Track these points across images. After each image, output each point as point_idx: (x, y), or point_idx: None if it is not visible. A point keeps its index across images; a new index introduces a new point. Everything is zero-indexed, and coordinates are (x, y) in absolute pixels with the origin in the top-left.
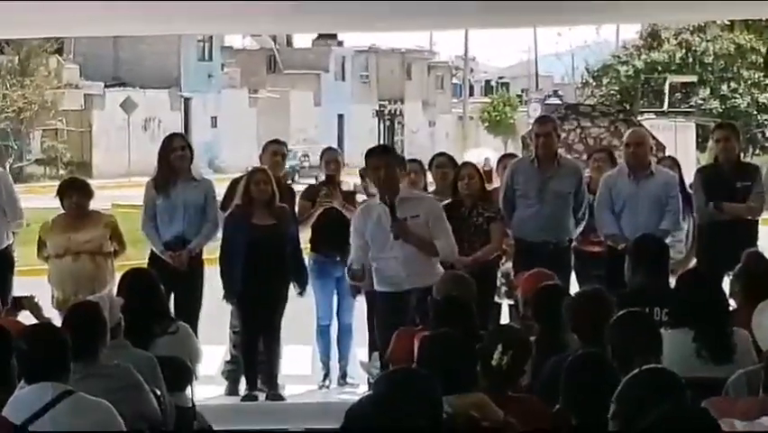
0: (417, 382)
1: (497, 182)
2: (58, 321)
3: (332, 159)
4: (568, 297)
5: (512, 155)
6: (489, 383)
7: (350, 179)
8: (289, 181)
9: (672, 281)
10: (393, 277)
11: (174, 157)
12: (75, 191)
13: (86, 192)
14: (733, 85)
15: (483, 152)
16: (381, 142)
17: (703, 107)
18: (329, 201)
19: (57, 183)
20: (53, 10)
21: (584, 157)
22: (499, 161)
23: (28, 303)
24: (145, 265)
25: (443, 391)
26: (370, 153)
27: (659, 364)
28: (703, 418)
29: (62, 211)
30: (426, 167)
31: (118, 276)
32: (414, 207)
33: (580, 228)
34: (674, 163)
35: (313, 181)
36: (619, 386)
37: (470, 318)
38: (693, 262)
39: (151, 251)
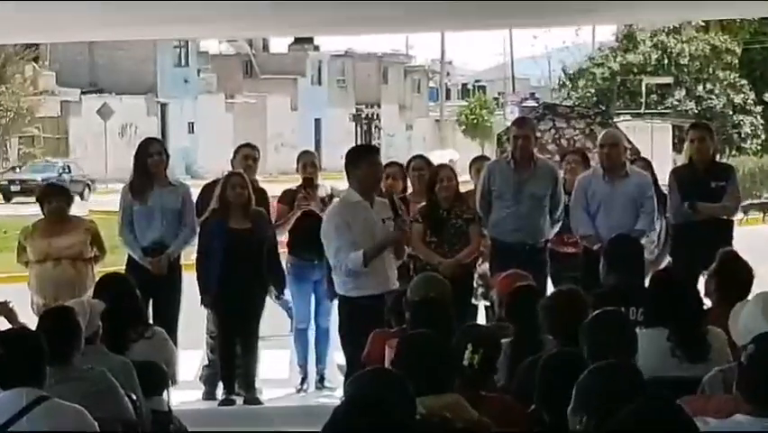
0: (391, 383)
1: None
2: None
3: (308, 162)
4: (543, 297)
5: (484, 157)
6: (461, 383)
7: (327, 183)
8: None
9: (647, 281)
10: (379, 278)
11: (151, 162)
12: (55, 196)
13: (67, 197)
14: (708, 86)
15: (448, 153)
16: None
17: (679, 108)
18: (307, 204)
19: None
20: (29, 15)
21: (557, 158)
22: (472, 163)
23: (2, 309)
24: (123, 271)
25: (419, 392)
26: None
27: (634, 363)
28: (677, 413)
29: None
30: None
31: None
32: (386, 210)
33: (556, 229)
34: (647, 165)
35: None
36: (578, 380)
37: (448, 319)
38: (665, 262)
39: (129, 256)
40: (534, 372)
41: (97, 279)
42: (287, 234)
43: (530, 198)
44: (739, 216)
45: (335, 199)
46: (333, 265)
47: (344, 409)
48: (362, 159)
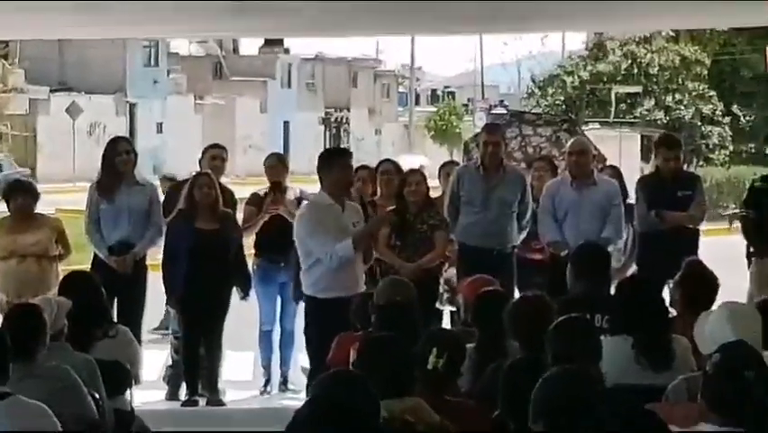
0: (355, 385)
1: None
2: None
3: (276, 165)
4: (509, 303)
5: (453, 162)
6: (425, 387)
7: (296, 186)
8: None
9: (612, 289)
10: (349, 281)
11: (119, 161)
12: (21, 193)
13: (33, 194)
14: (677, 96)
15: (417, 159)
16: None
17: (648, 118)
18: (275, 208)
19: None
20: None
21: (523, 165)
22: (441, 168)
23: None
24: (88, 269)
25: (381, 395)
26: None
27: (600, 370)
28: (653, 420)
29: (8, 214)
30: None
31: None
32: (357, 214)
33: (523, 235)
34: (616, 173)
35: None
36: (534, 388)
37: (413, 323)
38: (631, 270)
39: (95, 255)
40: (499, 377)
41: (62, 277)
42: (254, 235)
43: (499, 204)
44: (705, 226)
45: (304, 202)
46: (313, 262)
47: (307, 412)
48: (335, 162)
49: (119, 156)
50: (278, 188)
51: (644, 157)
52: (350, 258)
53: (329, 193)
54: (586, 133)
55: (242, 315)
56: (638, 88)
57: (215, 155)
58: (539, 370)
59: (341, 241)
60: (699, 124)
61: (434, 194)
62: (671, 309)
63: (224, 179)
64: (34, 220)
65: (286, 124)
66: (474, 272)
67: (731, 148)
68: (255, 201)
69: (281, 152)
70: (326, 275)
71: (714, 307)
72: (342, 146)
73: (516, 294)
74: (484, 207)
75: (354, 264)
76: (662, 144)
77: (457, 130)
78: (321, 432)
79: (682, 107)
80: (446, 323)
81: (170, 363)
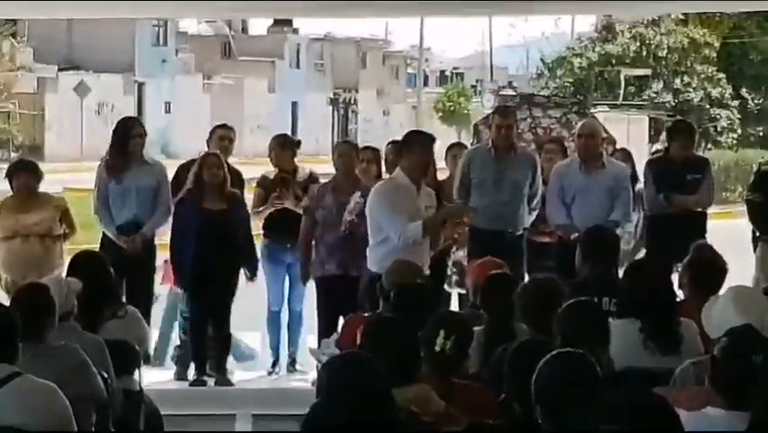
0: (366, 367)
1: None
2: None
3: (282, 146)
4: (518, 285)
5: (461, 144)
6: (433, 370)
7: (306, 166)
8: None
9: (621, 272)
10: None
11: (132, 143)
12: (24, 172)
13: (36, 173)
14: (686, 79)
15: None
16: (335, 130)
17: (656, 101)
18: (280, 203)
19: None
20: None
21: (533, 147)
22: (448, 150)
23: None
24: (97, 249)
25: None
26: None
27: (607, 353)
28: (660, 403)
29: (11, 193)
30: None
31: (68, 259)
32: (431, 199)
33: (533, 217)
34: (627, 156)
35: None
36: (536, 370)
37: (422, 305)
38: (641, 253)
39: (103, 235)
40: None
41: (71, 256)
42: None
43: (511, 186)
44: (716, 209)
45: (313, 187)
46: (382, 239)
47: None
48: (417, 143)
49: (132, 139)
50: (283, 183)
51: (652, 140)
52: (417, 240)
53: (407, 174)
54: (594, 115)
55: (250, 295)
56: (647, 71)
57: (223, 135)
58: (544, 352)
59: (412, 222)
60: (708, 107)
61: (440, 176)
62: (678, 293)
63: (231, 159)
64: (37, 199)
65: (294, 104)
66: (485, 255)
67: (739, 131)
68: (264, 184)
69: (289, 132)
70: (392, 254)
71: (722, 291)
72: (349, 127)
73: (526, 277)
74: (496, 189)
75: (422, 248)
76: (677, 131)
77: (465, 111)
78: (339, 418)
79: (691, 90)
80: (454, 305)
81: (178, 343)
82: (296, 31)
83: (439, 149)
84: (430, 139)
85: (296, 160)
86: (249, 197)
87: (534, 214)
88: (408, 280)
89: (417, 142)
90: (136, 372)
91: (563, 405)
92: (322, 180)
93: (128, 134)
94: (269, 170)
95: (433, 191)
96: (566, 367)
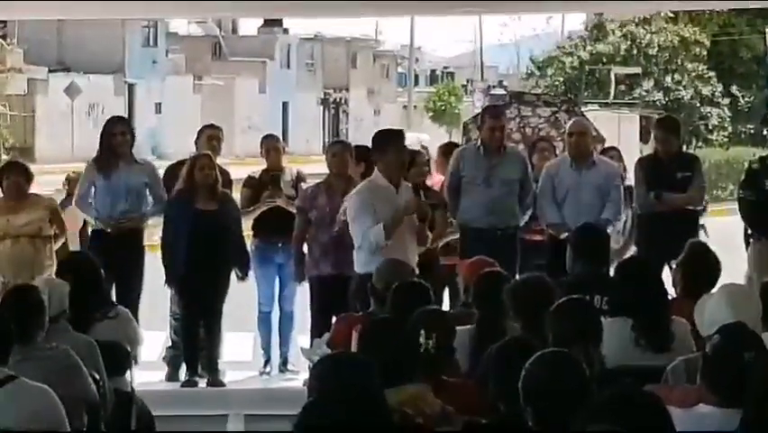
0: (359, 367)
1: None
2: None
3: (272, 147)
4: (509, 283)
5: (453, 143)
6: (422, 369)
7: (293, 167)
8: None
9: (612, 270)
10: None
11: (114, 142)
12: (14, 174)
13: (26, 175)
14: (677, 77)
15: (419, 136)
16: (326, 130)
17: (647, 99)
18: (272, 201)
19: None
20: None
21: (521, 146)
22: (440, 148)
23: None
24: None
25: (383, 379)
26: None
27: (599, 352)
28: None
29: (1, 194)
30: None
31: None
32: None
33: (527, 216)
34: (618, 155)
35: None
36: (522, 372)
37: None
38: (630, 251)
39: (91, 236)
40: None
41: (59, 258)
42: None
43: (501, 183)
44: (714, 207)
45: (301, 186)
46: (358, 245)
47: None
48: (388, 143)
49: (114, 138)
50: (273, 182)
51: (643, 138)
52: (380, 244)
53: (384, 175)
54: (584, 113)
55: (242, 296)
56: (637, 69)
57: (212, 135)
58: (527, 350)
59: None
60: (699, 104)
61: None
62: (670, 291)
63: (222, 160)
64: (27, 200)
65: (285, 104)
66: (477, 254)
67: (730, 129)
68: (251, 183)
69: (280, 132)
70: (376, 256)
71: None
72: (340, 127)
73: (517, 276)
74: (487, 186)
75: (404, 247)
76: (661, 126)
77: (456, 110)
78: (331, 418)
79: (681, 88)
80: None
81: (170, 343)
82: (286, 31)
83: (410, 140)
84: (399, 135)
85: (285, 159)
86: (235, 197)
87: (528, 212)
88: (400, 280)
89: (388, 142)
90: (128, 373)
91: (551, 406)
92: (309, 181)
93: (112, 132)
94: (258, 170)
95: (411, 187)
96: (552, 368)
